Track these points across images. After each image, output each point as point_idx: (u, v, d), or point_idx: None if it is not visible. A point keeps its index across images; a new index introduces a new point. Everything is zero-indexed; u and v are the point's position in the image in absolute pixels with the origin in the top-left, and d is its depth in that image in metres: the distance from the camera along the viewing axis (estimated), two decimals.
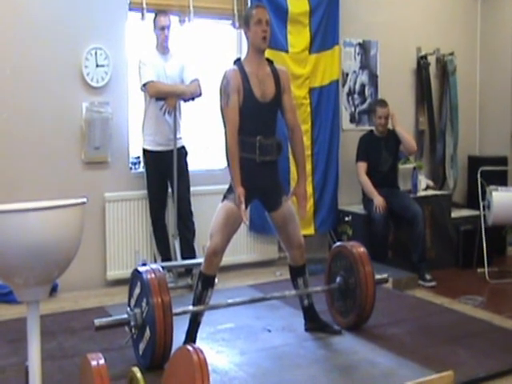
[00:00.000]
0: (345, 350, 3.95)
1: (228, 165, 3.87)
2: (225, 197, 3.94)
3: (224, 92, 3.86)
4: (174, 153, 5.26)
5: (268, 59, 4.06)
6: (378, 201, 5.77)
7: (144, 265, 4.21)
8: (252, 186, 3.88)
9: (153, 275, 3.63)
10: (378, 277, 4.29)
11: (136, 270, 3.78)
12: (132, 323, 3.65)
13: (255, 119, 3.88)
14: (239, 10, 5.89)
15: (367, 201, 5.98)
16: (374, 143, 6.09)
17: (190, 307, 3.89)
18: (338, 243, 4.65)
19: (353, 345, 4.01)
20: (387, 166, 6.08)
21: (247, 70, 3.91)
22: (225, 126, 3.89)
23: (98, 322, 3.60)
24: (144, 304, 3.58)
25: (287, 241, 4.11)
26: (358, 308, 4.17)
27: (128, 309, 3.74)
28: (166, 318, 3.51)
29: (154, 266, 3.85)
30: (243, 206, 3.75)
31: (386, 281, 4.50)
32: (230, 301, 4.00)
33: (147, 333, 3.56)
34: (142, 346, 3.63)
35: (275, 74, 3.99)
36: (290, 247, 4.12)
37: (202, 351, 2.65)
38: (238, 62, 4.01)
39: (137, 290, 3.69)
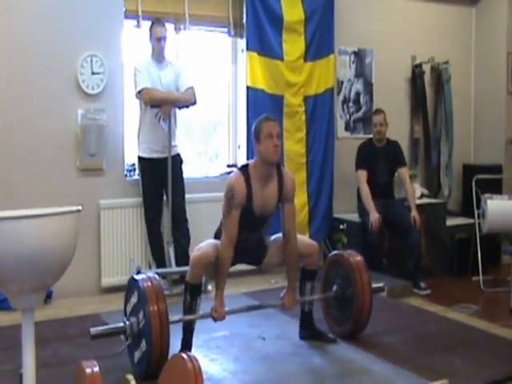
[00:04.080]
0: (340, 358, 3.94)
1: (217, 272, 3.85)
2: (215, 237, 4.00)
3: (227, 201, 3.79)
4: (169, 160, 5.26)
5: (277, 165, 3.97)
6: (374, 217, 5.72)
7: (139, 272, 4.20)
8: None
9: (149, 283, 3.61)
10: (374, 286, 4.28)
11: (132, 278, 3.76)
12: (128, 332, 3.62)
13: (247, 224, 3.86)
14: (234, 17, 5.92)
15: (363, 209, 5.97)
16: (372, 154, 6.08)
17: (187, 316, 3.87)
18: (335, 252, 4.66)
19: (348, 353, 4.01)
20: (385, 178, 6.07)
21: (253, 184, 3.83)
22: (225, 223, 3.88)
23: (94, 330, 3.57)
24: (141, 313, 3.56)
25: (294, 263, 4.08)
26: (355, 317, 4.16)
27: (124, 317, 3.72)
28: (162, 327, 3.49)
29: (150, 273, 3.83)
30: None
31: (382, 290, 4.50)
32: (225, 309, 3.98)
33: (143, 341, 3.54)
34: (137, 355, 3.61)
35: (280, 185, 3.92)
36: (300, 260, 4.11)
37: (196, 359, 2.65)
38: (245, 169, 3.87)
39: (133, 299, 3.67)
